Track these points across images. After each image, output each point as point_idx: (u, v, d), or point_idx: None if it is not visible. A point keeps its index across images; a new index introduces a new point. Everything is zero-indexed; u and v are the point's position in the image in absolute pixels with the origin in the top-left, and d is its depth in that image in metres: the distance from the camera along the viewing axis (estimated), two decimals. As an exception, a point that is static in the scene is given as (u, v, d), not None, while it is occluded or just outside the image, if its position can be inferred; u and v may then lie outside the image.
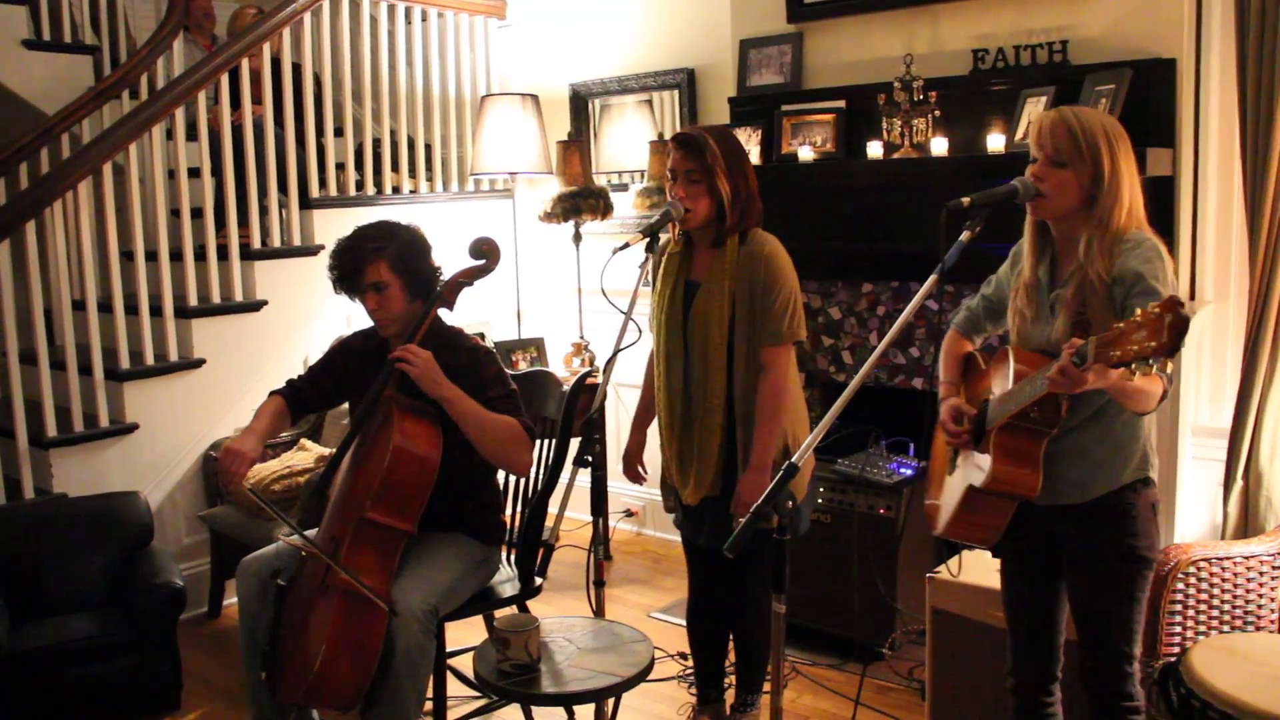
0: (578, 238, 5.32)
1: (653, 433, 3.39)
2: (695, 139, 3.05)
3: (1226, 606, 3.05)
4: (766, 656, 3.41)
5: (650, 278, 3.21)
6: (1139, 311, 1.91)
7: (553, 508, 3.25)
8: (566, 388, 3.53)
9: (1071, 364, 2.06)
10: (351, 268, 3.15)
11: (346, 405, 3.48)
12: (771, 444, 3.08)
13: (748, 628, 3.35)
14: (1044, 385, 2.22)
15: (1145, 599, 2.52)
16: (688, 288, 3.17)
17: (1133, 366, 1.93)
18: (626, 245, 3.03)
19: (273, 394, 3.33)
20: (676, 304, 3.17)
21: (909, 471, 3.95)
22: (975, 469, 2.54)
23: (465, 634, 3.89)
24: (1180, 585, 2.99)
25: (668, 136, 5.13)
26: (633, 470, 3.43)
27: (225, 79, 4.72)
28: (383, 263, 3.12)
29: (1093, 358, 2.00)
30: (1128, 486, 2.48)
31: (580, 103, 5.68)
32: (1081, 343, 2.06)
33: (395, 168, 5.46)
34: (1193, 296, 3.74)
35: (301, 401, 3.35)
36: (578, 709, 3.62)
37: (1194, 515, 3.77)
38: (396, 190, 5.46)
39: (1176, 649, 2.99)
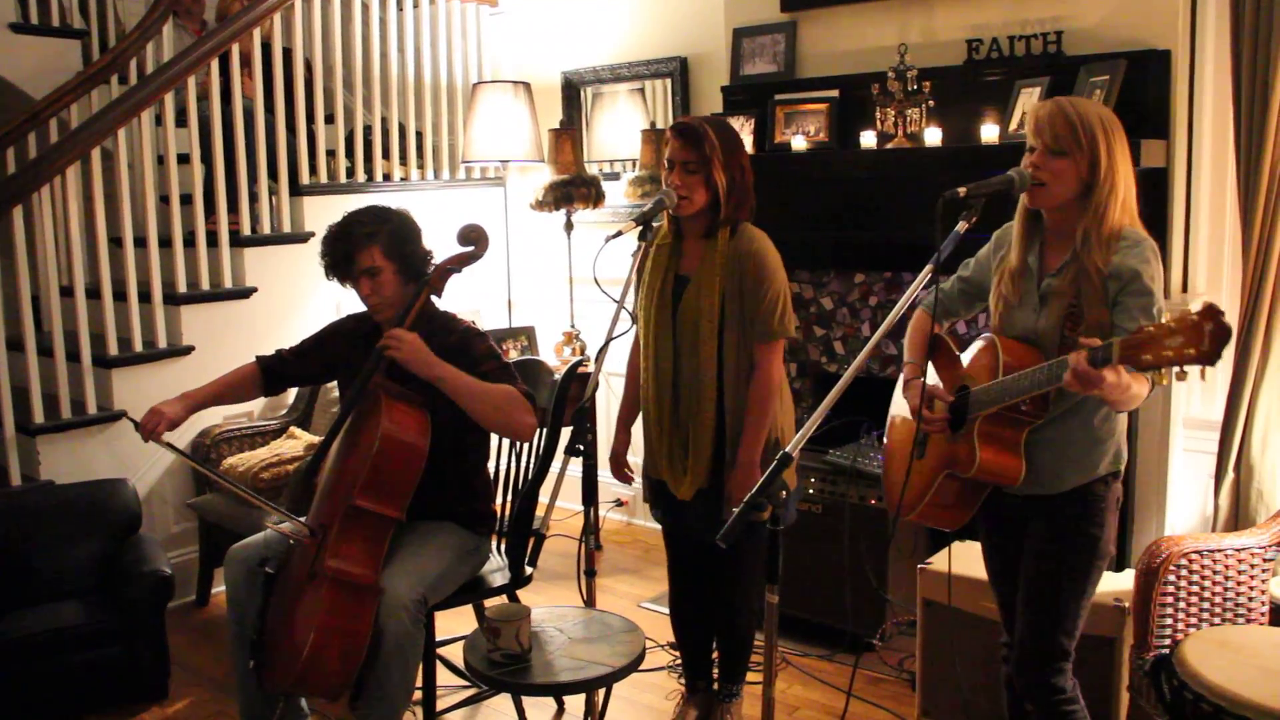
0: (569, 226, 5.30)
1: (636, 428, 3.39)
2: (695, 129, 3.04)
3: (1218, 599, 3.05)
4: (750, 646, 3.41)
5: (639, 268, 3.19)
6: (1168, 316, 1.91)
7: (543, 497, 3.24)
8: (558, 377, 3.51)
9: (1087, 364, 2.05)
10: (344, 254, 3.13)
11: (337, 393, 3.47)
12: (760, 440, 3.08)
13: (732, 618, 3.34)
14: (1052, 381, 2.22)
15: (1091, 595, 2.55)
16: (677, 282, 3.16)
17: (1162, 371, 1.94)
18: (620, 233, 3.00)
19: (256, 361, 3.35)
20: (666, 298, 3.16)
21: (900, 462, 3.94)
22: (952, 456, 2.55)
23: (455, 623, 3.88)
24: (1171, 578, 2.98)
25: (660, 125, 5.14)
26: (620, 470, 3.41)
27: (215, 62, 4.69)
28: (376, 248, 3.11)
29: (1117, 360, 2.00)
30: (1099, 479, 2.52)
31: (572, 91, 5.66)
32: (1100, 344, 2.05)
33: (386, 155, 5.43)
34: (1185, 289, 3.75)
35: (283, 373, 3.35)
36: (568, 699, 3.63)
37: (1185, 508, 3.77)
38: (387, 178, 5.43)
39: (1168, 642, 2.99)
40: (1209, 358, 1.89)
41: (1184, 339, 1.89)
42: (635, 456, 3.37)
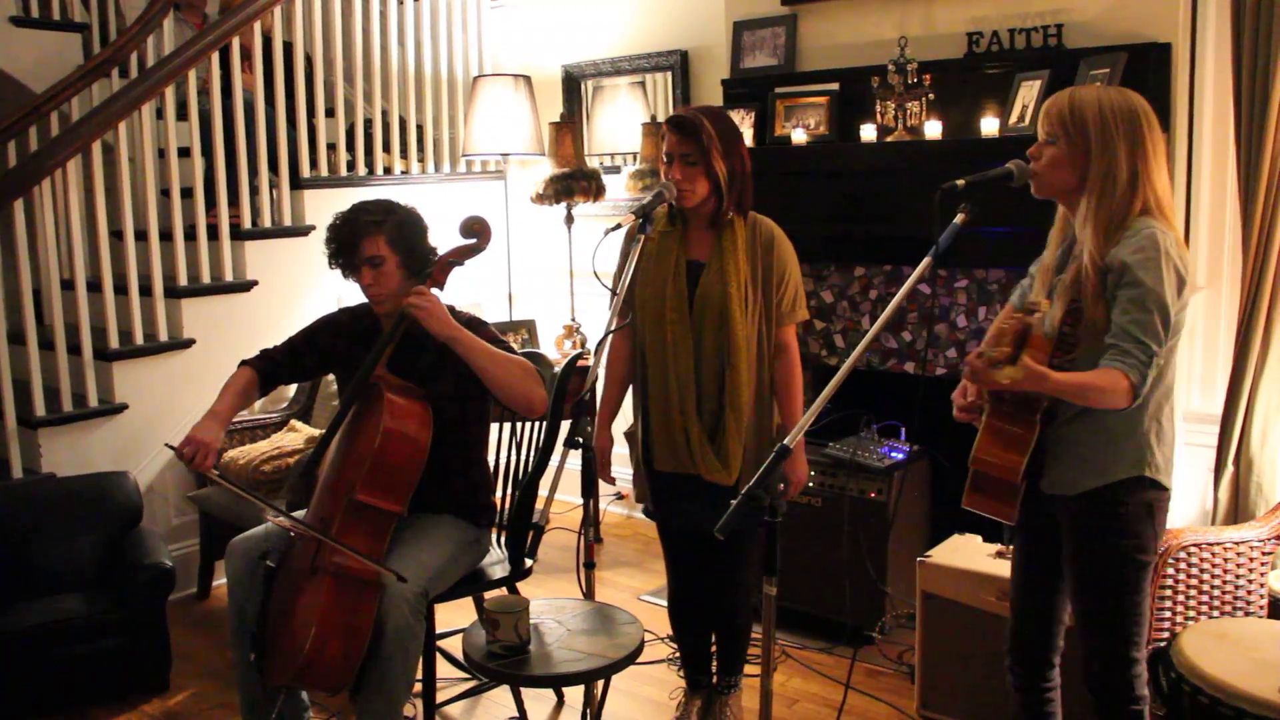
0: (570, 220, 5.31)
1: (627, 419, 3.38)
2: (691, 121, 3.02)
3: (1217, 592, 3.06)
4: (748, 637, 3.41)
5: (633, 260, 3.17)
6: (1013, 318, 2.05)
7: (543, 490, 3.24)
8: (557, 370, 3.51)
9: (977, 360, 2.21)
10: (349, 241, 3.14)
11: (336, 386, 3.46)
12: (798, 420, 3.07)
13: (730, 609, 3.34)
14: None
15: (1144, 600, 2.45)
16: (690, 268, 3.14)
17: (1002, 368, 2.14)
18: (619, 226, 3.01)
19: (243, 364, 3.29)
20: (681, 285, 3.13)
21: (900, 455, 3.95)
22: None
23: (455, 616, 3.89)
24: (1171, 570, 2.99)
25: (661, 119, 5.13)
26: (605, 472, 3.33)
27: (216, 56, 4.69)
28: (381, 237, 3.11)
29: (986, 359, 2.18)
30: (1119, 484, 2.42)
31: (573, 84, 5.66)
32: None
33: (386, 148, 5.43)
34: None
35: (276, 374, 3.32)
36: (567, 690, 3.64)
37: (1185, 501, 3.78)
38: (388, 171, 5.44)
39: (1167, 634, 3.00)
40: (1012, 358, 2.14)
41: (1008, 339, 2.17)
42: (619, 447, 3.36)
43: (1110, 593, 2.45)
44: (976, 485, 2.57)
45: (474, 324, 3.19)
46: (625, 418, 3.35)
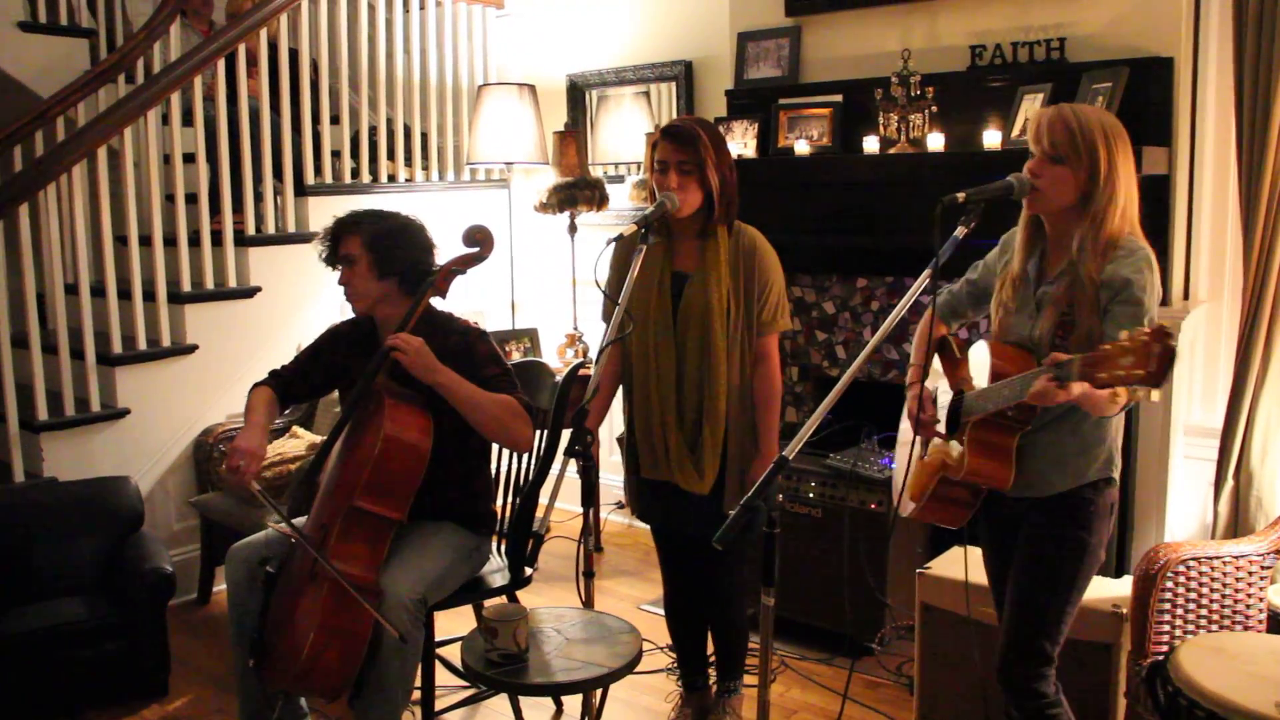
0: (573, 229, 5.31)
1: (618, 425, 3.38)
2: (688, 131, 3.05)
3: (1215, 606, 3.05)
4: (745, 640, 3.41)
5: (635, 269, 3.18)
6: (1125, 335, 1.97)
7: (543, 498, 3.24)
8: (559, 378, 3.52)
9: (1047, 383, 2.14)
10: (332, 239, 3.20)
11: (337, 393, 3.47)
12: (775, 429, 3.10)
13: (728, 616, 3.35)
14: (1020, 395, 2.29)
15: (1077, 601, 2.55)
16: (674, 279, 3.16)
17: (1118, 390, 2.02)
18: (621, 236, 3.02)
19: (259, 385, 3.30)
20: (665, 295, 3.16)
21: (900, 467, 3.95)
22: (948, 458, 2.59)
23: (454, 623, 3.89)
24: (1169, 584, 2.99)
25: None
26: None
27: (222, 62, 4.71)
28: (357, 237, 3.14)
29: (1077, 376, 2.06)
30: (1089, 484, 2.53)
31: (577, 93, 5.67)
32: (1065, 359, 2.11)
33: (391, 156, 5.45)
34: (1186, 296, 3.75)
35: (291, 393, 3.34)
36: (565, 699, 3.64)
37: (1184, 514, 3.78)
38: (392, 179, 5.45)
39: (1165, 648, 2.99)
40: (1154, 379, 1.92)
41: (1134, 359, 1.94)
42: (613, 454, 3.36)
43: (1058, 582, 2.53)
44: (943, 494, 2.64)
45: (472, 337, 3.20)
46: (618, 424, 3.36)
